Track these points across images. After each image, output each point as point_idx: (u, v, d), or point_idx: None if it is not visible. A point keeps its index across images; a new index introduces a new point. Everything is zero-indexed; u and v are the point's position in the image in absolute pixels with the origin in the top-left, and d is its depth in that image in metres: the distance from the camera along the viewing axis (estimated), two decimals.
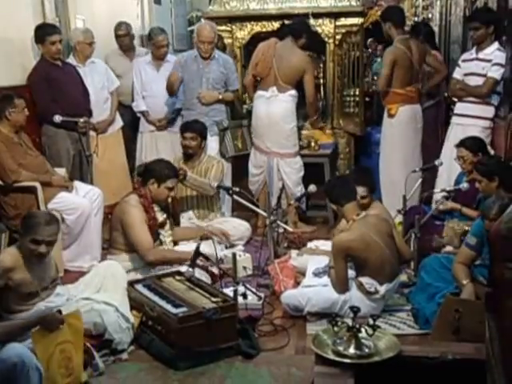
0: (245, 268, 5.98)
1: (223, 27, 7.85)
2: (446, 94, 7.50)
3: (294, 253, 5.94)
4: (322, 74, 8.10)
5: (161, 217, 5.84)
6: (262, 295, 5.36)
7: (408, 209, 6.00)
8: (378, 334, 3.81)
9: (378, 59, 8.22)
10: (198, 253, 5.06)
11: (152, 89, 7.92)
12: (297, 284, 5.50)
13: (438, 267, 5.03)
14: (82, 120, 6.82)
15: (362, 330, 3.79)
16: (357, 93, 7.74)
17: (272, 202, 6.60)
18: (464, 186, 5.71)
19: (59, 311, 4.15)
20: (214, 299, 4.73)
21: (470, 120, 6.67)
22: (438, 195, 6.18)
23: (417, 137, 7.19)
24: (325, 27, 7.64)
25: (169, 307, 4.64)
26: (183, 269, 5.20)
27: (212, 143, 7.28)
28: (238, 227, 6.74)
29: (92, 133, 7.27)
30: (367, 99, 8.45)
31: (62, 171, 6.54)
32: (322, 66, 8.08)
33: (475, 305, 4.35)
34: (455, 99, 7.00)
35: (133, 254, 5.62)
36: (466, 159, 5.92)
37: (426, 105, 7.63)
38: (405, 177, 6.11)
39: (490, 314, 3.27)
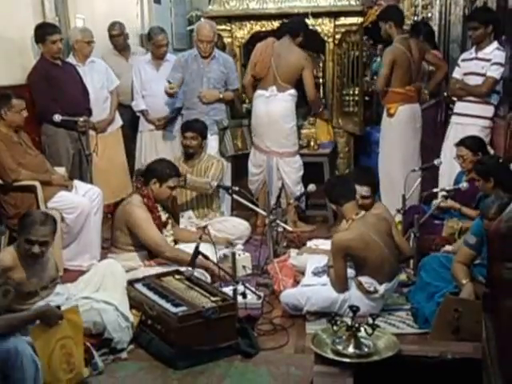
0: (244, 267, 5.99)
1: (223, 26, 7.84)
2: (445, 94, 7.49)
3: (293, 252, 5.95)
4: (321, 74, 8.09)
5: (164, 216, 5.85)
6: (262, 294, 5.37)
7: (407, 208, 6.00)
8: (377, 334, 3.81)
9: (378, 58, 8.20)
10: (197, 252, 5.06)
11: (152, 88, 7.91)
12: (296, 283, 5.49)
13: (438, 266, 5.03)
14: (81, 119, 6.81)
15: (362, 329, 3.79)
16: (356, 92, 7.74)
17: (271, 202, 6.61)
18: (463, 185, 5.71)
19: (58, 307, 4.15)
20: (213, 298, 4.73)
21: (469, 119, 6.68)
22: (439, 195, 6.19)
23: (416, 136, 7.18)
24: (324, 26, 7.63)
25: (168, 306, 4.64)
26: (183, 268, 5.22)
27: (212, 142, 7.28)
28: (238, 226, 6.75)
29: (91, 132, 7.26)
30: (367, 98, 8.44)
31: (61, 170, 6.53)
32: (321, 65, 8.08)
33: (474, 304, 4.34)
34: (455, 98, 7.00)
35: (134, 253, 5.63)
36: (466, 158, 5.93)
37: (426, 104, 7.63)
38: (404, 176, 6.11)
39: (488, 314, 3.26)
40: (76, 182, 6.53)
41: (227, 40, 7.98)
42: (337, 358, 3.64)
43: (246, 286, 5.04)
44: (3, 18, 6.43)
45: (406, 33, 7.27)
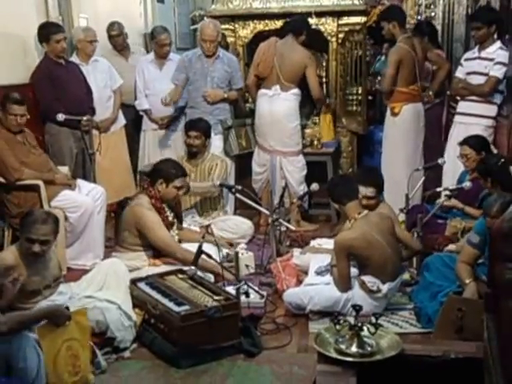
0: (247, 266, 5.98)
1: (226, 26, 7.85)
2: (448, 93, 7.49)
3: (296, 251, 5.94)
4: (324, 73, 8.10)
5: (170, 216, 5.84)
6: (265, 293, 5.38)
7: (410, 208, 6.00)
8: (380, 333, 3.82)
9: (383, 57, 8.18)
10: (200, 252, 5.06)
11: (155, 87, 7.92)
12: (299, 282, 5.49)
13: (441, 266, 5.03)
14: (84, 118, 6.82)
15: (365, 328, 3.80)
16: (359, 91, 7.75)
17: (275, 201, 6.61)
18: (467, 184, 5.71)
19: (67, 308, 4.15)
20: (216, 297, 4.73)
21: (472, 119, 6.68)
22: (442, 194, 6.19)
23: (419, 135, 7.18)
24: (327, 26, 7.63)
25: (171, 305, 4.64)
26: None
27: (216, 142, 7.29)
28: (241, 225, 6.76)
29: (95, 131, 7.28)
30: (370, 98, 8.44)
31: (64, 169, 6.54)
32: (324, 64, 8.08)
33: (478, 304, 4.32)
34: (458, 98, 7.00)
35: (141, 252, 5.62)
36: (470, 157, 5.92)
37: (430, 104, 7.63)
38: (407, 175, 6.12)
39: (489, 315, 3.26)
40: (79, 181, 6.53)
41: (230, 39, 7.99)
42: (340, 357, 3.64)
43: (248, 285, 5.04)
44: (7, 17, 6.43)
45: (408, 32, 7.27)
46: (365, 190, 5.48)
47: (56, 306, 4.20)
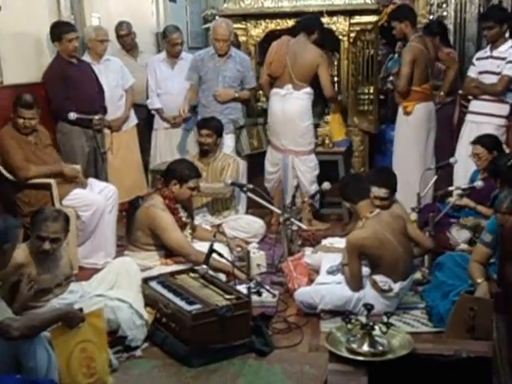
0: (259, 265, 5.97)
1: (238, 25, 7.85)
2: (460, 92, 7.47)
3: (307, 250, 5.93)
4: (336, 72, 8.10)
5: (184, 216, 5.84)
6: (276, 293, 5.37)
7: (422, 207, 5.99)
8: (391, 332, 3.80)
9: (395, 56, 8.15)
10: (212, 250, 5.06)
11: (167, 86, 7.94)
12: (310, 281, 5.48)
13: (453, 265, 5.02)
14: (96, 117, 6.83)
15: (376, 327, 3.79)
16: (371, 91, 7.72)
17: (286, 200, 6.60)
18: (478, 183, 5.70)
19: (80, 309, 4.12)
20: (227, 296, 4.74)
21: (484, 118, 6.67)
22: (454, 193, 6.17)
23: (431, 134, 7.17)
24: (339, 25, 7.63)
25: (183, 304, 4.65)
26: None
27: (228, 141, 7.29)
28: (252, 224, 6.75)
29: (106, 130, 7.29)
30: (382, 97, 8.42)
31: (77, 168, 6.55)
32: (336, 63, 8.08)
33: (490, 303, 4.31)
34: (470, 97, 6.98)
35: (153, 252, 5.62)
36: (481, 156, 5.91)
37: (441, 104, 7.61)
38: (419, 175, 6.11)
39: (499, 315, 3.25)
40: (91, 180, 6.54)
41: (242, 38, 7.99)
42: (351, 357, 3.63)
43: (260, 285, 5.04)
44: (19, 16, 6.45)
45: (419, 31, 7.26)
46: (378, 191, 5.46)
47: (69, 307, 4.18)
